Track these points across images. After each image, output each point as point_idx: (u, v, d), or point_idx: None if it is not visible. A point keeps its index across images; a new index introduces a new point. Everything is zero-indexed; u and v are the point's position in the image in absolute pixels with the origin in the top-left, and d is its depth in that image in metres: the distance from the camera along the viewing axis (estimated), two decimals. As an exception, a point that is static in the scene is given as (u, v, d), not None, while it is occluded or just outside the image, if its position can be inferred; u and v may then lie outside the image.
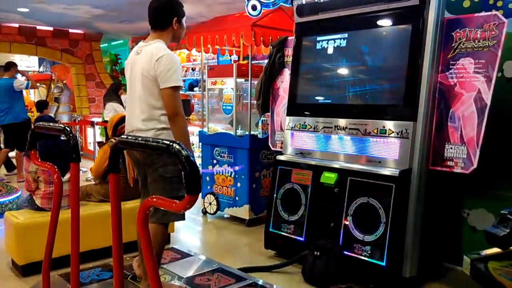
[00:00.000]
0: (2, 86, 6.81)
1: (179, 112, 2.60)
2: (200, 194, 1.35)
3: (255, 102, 4.28)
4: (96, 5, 7.18)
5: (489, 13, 2.84)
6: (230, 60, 6.69)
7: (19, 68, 7.46)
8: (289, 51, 3.98)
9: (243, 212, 4.59)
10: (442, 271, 3.39)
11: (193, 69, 8.47)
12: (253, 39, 4.41)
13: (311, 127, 3.53)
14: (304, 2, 3.67)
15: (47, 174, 3.29)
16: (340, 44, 3.44)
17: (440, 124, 2.99)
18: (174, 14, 2.73)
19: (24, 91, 7.14)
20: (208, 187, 4.91)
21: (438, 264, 3.40)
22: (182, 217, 2.81)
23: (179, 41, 2.92)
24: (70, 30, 9.73)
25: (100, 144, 4.36)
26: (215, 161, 4.83)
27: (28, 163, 3.35)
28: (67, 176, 3.12)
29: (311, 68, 3.71)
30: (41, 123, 2.59)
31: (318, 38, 3.59)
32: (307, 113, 3.59)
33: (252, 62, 4.66)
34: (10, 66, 6.97)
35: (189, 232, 4.56)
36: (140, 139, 1.56)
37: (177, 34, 2.80)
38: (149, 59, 2.60)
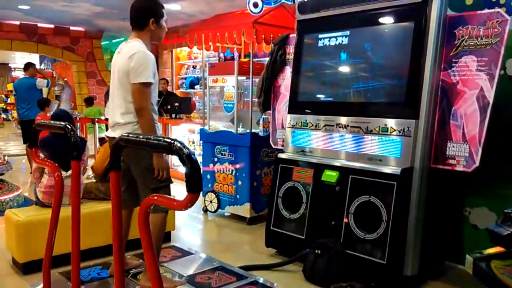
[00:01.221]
0: (24, 84, 7.14)
1: (145, 107, 2.72)
2: (201, 192, 1.34)
3: (256, 100, 4.27)
4: (97, 3, 7.17)
5: (492, 10, 2.82)
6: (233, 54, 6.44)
7: (21, 66, 7.59)
8: (290, 49, 3.97)
9: (244, 210, 4.59)
10: (443, 270, 3.38)
11: (194, 67, 8.46)
12: (255, 36, 4.39)
13: (312, 125, 3.51)
14: (305, 0, 3.66)
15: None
16: (342, 41, 3.43)
17: (442, 122, 2.97)
18: (150, 15, 2.83)
19: (43, 90, 7.43)
20: (209, 185, 4.90)
21: (439, 262, 3.39)
22: None
23: (160, 41, 3.02)
24: (71, 28, 9.71)
25: (102, 141, 4.35)
26: (216, 159, 4.82)
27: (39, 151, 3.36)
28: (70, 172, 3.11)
29: (313, 65, 3.69)
30: (42, 121, 2.61)
31: (320, 36, 3.58)
32: (308, 111, 3.58)
33: (254, 59, 4.64)
34: (29, 66, 7.28)
35: (190, 230, 4.56)
36: (141, 136, 1.56)
37: (156, 35, 2.91)
38: (125, 56, 2.74)
